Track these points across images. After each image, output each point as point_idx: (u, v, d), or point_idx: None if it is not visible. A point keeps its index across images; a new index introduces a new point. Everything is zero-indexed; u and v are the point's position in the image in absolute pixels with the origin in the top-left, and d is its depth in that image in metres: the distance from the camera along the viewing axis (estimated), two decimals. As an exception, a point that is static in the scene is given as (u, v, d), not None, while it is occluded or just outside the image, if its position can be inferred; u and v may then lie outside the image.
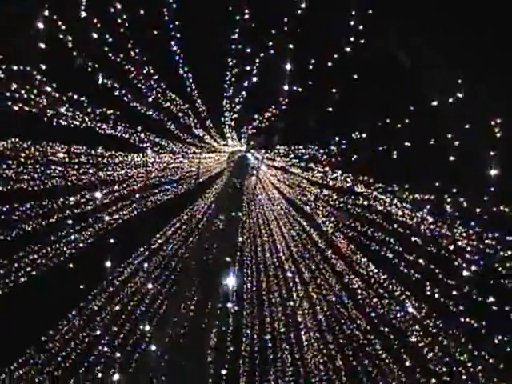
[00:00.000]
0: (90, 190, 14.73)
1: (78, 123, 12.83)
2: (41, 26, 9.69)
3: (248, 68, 11.66)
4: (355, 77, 11.33)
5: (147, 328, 16.53)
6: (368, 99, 12.93)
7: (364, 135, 12.39)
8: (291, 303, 17.30)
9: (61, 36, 10.25)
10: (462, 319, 12.92)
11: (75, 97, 11.89)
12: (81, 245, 15.20)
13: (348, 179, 14.05)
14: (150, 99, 12.96)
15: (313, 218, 16.47)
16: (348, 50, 10.63)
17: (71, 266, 15.20)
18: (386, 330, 15.06)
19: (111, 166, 14.78)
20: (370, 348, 15.58)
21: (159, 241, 17.08)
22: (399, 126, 11.49)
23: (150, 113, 13.52)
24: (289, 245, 17.22)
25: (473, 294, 12.49)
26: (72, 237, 14.94)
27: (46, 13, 9.84)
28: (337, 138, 13.03)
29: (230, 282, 14.62)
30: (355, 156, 13.13)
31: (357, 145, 12.77)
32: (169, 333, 12.82)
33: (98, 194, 14.73)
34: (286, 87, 11.58)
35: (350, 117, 13.60)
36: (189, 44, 11.53)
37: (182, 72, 12.24)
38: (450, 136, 10.93)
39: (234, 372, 17.01)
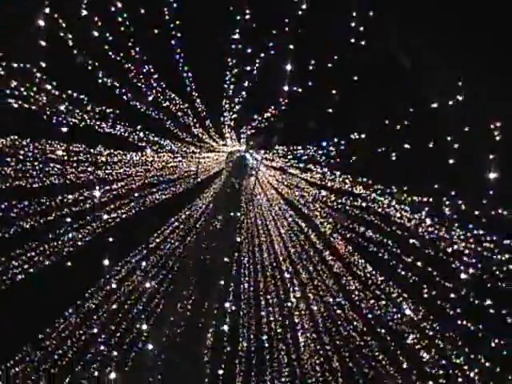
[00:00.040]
0: (88, 188, 14.73)
1: (77, 121, 12.83)
2: (41, 23, 9.69)
3: (248, 68, 11.67)
4: (355, 78, 11.33)
5: (144, 327, 16.52)
6: (368, 101, 12.95)
7: (363, 136, 12.39)
8: (288, 304, 17.30)
9: (61, 34, 10.24)
10: (459, 322, 12.94)
11: (75, 95, 11.89)
12: (79, 243, 15.20)
13: (347, 180, 14.05)
14: (150, 98, 12.96)
15: (311, 219, 16.47)
16: (348, 51, 10.63)
17: (69, 264, 15.20)
18: (383, 331, 15.06)
19: (110, 164, 14.78)
20: (366, 349, 15.58)
21: (157, 240, 17.07)
22: (398, 127, 11.49)
23: (150, 112, 13.52)
24: (287, 245, 17.22)
25: (470, 297, 12.50)
26: (70, 235, 14.93)
27: (47, 10, 9.83)
28: (336, 139, 13.03)
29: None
30: (354, 157, 13.13)
31: (356, 146, 12.77)
32: (165, 332, 12.80)
33: (97, 193, 14.72)
34: (286, 88, 11.58)
35: (349, 118, 13.61)
36: (189, 43, 11.53)
37: (181, 71, 12.24)
38: (449, 138, 10.94)
39: (231, 372, 17.02)
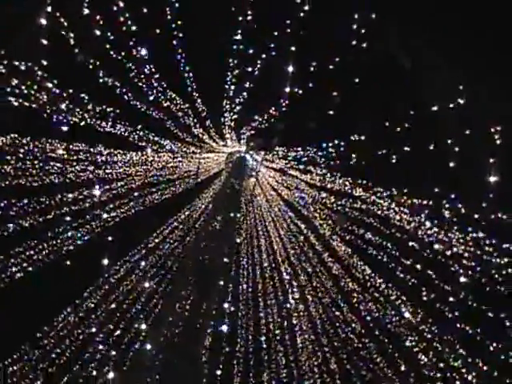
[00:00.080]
0: (88, 187, 14.73)
1: (77, 120, 12.83)
2: (43, 22, 9.68)
3: (249, 69, 11.67)
4: (356, 80, 11.34)
5: (143, 327, 16.50)
6: (368, 103, 12.95)
7: (363, 138, 12.39)
8: (287, 305, 17.29)
9: (63, 33, 10.24)
10: (458, 325, 12.93)
11: (75, 94, 11.90)
12: (78, 242, 15.19)
13: (347, 182, 14.05)
14: (151, 98, 12.95)
15: (310, 221, 16.46)
16: (350, 53, 10.64)
17: (68, 263, 15.19)
18: (381, 334, 15.05)
19: (110, 163, 14.77)
20: (364, 351, 15.57)
21: (156, 240, 17.06)
22: (399, 129, 11.49)
23: (150, 112, 13.51)
24: (286, 247, 17.22)
25: (468, 301, 12.49)
26: (69, 233, 14.93)
27: (49, 9, 9.83)
28: (336, 141, 13.03)
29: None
30: (354, 159, 13.13)
31: (356, 148, 12.78)
32: (164, 332, 12.79)
33: (97, 192, 14.72)
34: (287, 89, 11.59)
35: (349, 120, 13.61)
36: (191, 43, 11.54)
37: (183, 71, 12.24)
38: (449, 141, 10.94)
39: (229, 373, 17.01)
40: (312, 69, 11.28)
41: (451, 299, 12.88)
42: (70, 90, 11.68)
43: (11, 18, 9.87)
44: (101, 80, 11.77)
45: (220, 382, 16.26)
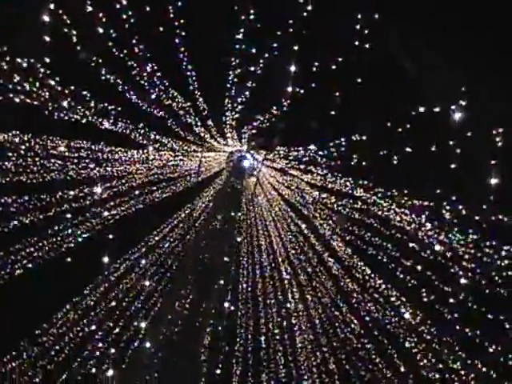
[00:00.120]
0: (89, 184, 14.73)
1: (79, 117, 12.83)
2: (46, 19, 9.68)
3: (252, 68, 11.66)
4: (358, 80, 11.33)
5: (142, 325, 16.51)
6: (370, 103, 12.93)
7: (364, 138, 12.39)
8: (287, 305, 17.29)
9: (65, 30, 10.24)
10: (457, 327, 12.93)
11: (77, 91, 11.90)
12: (79, 239, 15.20)
13: (348, 183, 14.04)
14: (153, 96, 12.95)
15: (311, 221, 16.46)
16: (352, 53, 10.64)
17: (68, 260, 15.20)
18: (380, 334, 15.05)
19: (111, 161, 14.77)
20: (363, 352, 15.57)
21: (156, 238, 17.06)
22: (400, 130, 11.48)
23: (152, 110, 13.51)
24: (286, 246, 17.22)
25: (468, 302, 12.49)
26: (69, 231, 14.93)
27: (52, 6, 9.83)
28: (337, 141, 13.02)
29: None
30: (355, 160, 13.12)
31: (357, 148, 12.77)
32: (163, 330, 12.81)
33: (98, 189, 14.72)
34: (289, 89, 11.58)
35: (351, 120, 13.59)
36: (193, 42, 11.52)
37: (185, 70, 12.23)
38: (451, 143, 10.93)
39: (227, 372, 17.01)
40: (314, 69, 11.27)
41: (451, 301, 12.88)
42: (72, 88, 11.68)
43: (12, 17, 9.87)
44: (103, 78, 11.77)
45: (219, 381, 16.28)
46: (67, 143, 13.59)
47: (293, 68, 11.04)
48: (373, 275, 14.97)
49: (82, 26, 10.47)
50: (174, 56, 11.73)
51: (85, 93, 12.08)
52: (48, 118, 12.17)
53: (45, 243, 14.64)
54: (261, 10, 10.66)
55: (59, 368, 15.85)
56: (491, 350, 12.23)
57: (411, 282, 13.70)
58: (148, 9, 10.59)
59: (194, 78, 12.50)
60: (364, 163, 13.07)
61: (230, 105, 13.38)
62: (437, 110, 10.88)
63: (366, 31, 10.48)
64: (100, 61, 11.45)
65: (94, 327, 16.41)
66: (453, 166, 11.06)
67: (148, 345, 12.84)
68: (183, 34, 11.14)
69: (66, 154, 13.75)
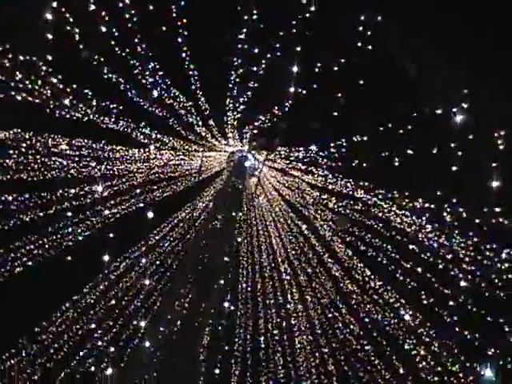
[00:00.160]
0: (90, 183, 14.73)
1: (80, 116, 12.83)
2: (49, 17, 9.68)
3: (254, 68, 11.66)
4: (361, 82, 11.32)
5: (142, 324, 16.51)
6: (372, 105, 12.93)
7: (365, 138, 12.38)
8: (286, 305, 17.29)
9: (68, 28, 10.23)
10: (457, 329, 12.93)
11: (79, 89, 11.90)
12: (79, 237, 15.20)
13: (348, 184, 14.04)
14: (155, 95, 12.94)
15: (311, 222, 16.45)
16: (355, 54, 10.63)
17: (68, 258, 15.19)
18: (380, 336, 15.06)
19: (112, 160, 14.77)
20: (362, 353, 15.58)
21: (156, 237, 17.06)
22: (401, 131, 11.47)
23: (153, 109, 13.51)
24: (286, 247, 17.21)
25: (468, 305, 12.49)
26: (70, 229, 14.94)
27: (55, 4, 9.82)
28: (338, 142, 13.01)
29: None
30: (356, 161, 13.11)
31: (359, 150, 12.76)
32: (162, 330, 12.80)
33: (99, 188, 14.71)
34: (291, 89, 11.57)
35: (352, 122, 13.59)
36: (195, 42, 11.51)
37: (187, 69, 12.22)
38: (452, 145, 10.92)
39: (226, 372, 17.02)
40: (316, 70, 11.26)
41: (451, 303, 12.88)
42: (74, 86, 11.67)
43: (14, 14, 9.87)
44: (105, 76, 11.77)
45: (218, 380, 16.28)
46: (68, 141, 13.58)
47: (295, 69, 11.03)
48: (373, 277, 14.97)
49: (85, 24, 10.47)
50: (177, 55, 11.72)
51: (86, 91, 12.07)
52: (49, 116, 12.16)
53: (45, 241, 14.64)
54: (264, 10, 10.65)
55: (58, 366, 15.87)
56: (490, 353, 12.24)
57: (411, 284, 13.70)
58: (151, 8, 10.59)
59: (196, 78, 12.50)
60: (365, 164, 13.06)
61: (231, 105, 13.37)
62: (438, 111, 10.87)
63: (369, 32, 10.47)
64: (102, 59, 11.44)
65: (93, 326, 16.42)
66: (454, 168, 11.06)
67: (147, 344, 12.83)
68: (186, 33, 11.12)
69: (68, 152, 13.75)
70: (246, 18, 10.67)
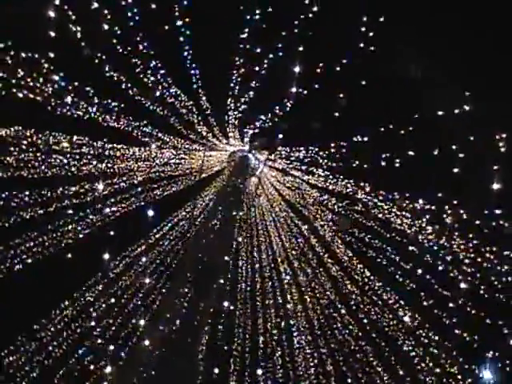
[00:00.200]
0: (90, 181, 14.73)
1: (82, 114, 12.82)
2: (52, 14, 9.66)
3: (256, 68, 11.66)
4: (363, 83, 11.32)
5: (141, 322, 16.51)
6: (373, 106, 12.92)
7: (366, 139, 12.38)
8: (286, 305, 17.29)
9: (71, 26, 10.23)
10: (456, 331, 12.92)
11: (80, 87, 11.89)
12: (79, 235, 15.20)
13: (349, 185, 14.03)
14: (156, 94, 12.95)
15: (311, 222, 16.46)
16: (357, 55, 10.63)
17: (68, 255, 15.19)
18: (379, 337, 15.06)
19: (113, 158, 14.77)
20: (361, 354, 15.58)
21: (156, 236, 17.06)
22: (402, 132, 11.47)
23: (155, 107, 13.51)
24: (285, 247, 17.22)
25: (467, 307, 12.48)
26: (70, 227, 14.94)
27: (57, 1, 9.81)
28: (339, 143, 13.02)
29: None
30: (357, 162, 13.11)
31: (359, 150, 12.76)
32: (161, 328, 12.79)
33: (99, 186, 14.72)
34: (293, 89, 11.57)
35: (354, 122, 13.58)
36: (198, 41, 11.52)
37: (189, 68, 12.23)
38: (454, 147, 10.92)
39: (225, 371, 17.02)
40: (318, 70, 11.26)
41: (450, 305, 12.88)
42: (76, 84, 11.66)
43: (15, 13, 9.85)
44: (107, 74, 11.77)
45: (216, 380, 16.27)
46: (69, 139, 13.58)
47: (297, 69, 11.02)
48: (372, 277, 14.97)
49: (87, 22, 10.46)
50: (179, 54, 11.72)
51: (88, 89, 12.06)
52: (51, 114, 12.15)
53: (45, 238, 14.64)
54: (266, 10, 10.65)
55: (57, 364, 15.87)
56: (489, 355, 12.23)
57: (410, 286, 13.70)
58: (153, 6, 10.58)
59: (197, 77, 12.50)
60: (365, 165, 13.06)
61: (233, 104, 13.38)
62: (440, 113, 10.87)
63: (371, 33, 10.47)
64: (104, 57, 11.44)
65: (92, 323, 16.42)
66: (455, 170, 11.06)
67: (146, 342, 12.82)
68: (188, 32, 11.13)
69: (68, 149, 13.74)
70: (248, 17, 10.68)
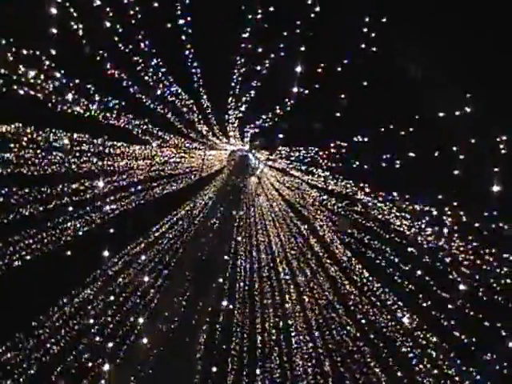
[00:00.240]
0: (90, 178, 14.73)
1: (82, 111, 12.82)
2: (54, 11, 9.65)
3: (257, 68, 11.65)
4: (364, 84, 11.30)
5: (140, 320, 16.51)
6: (374, 106, 12.91)
7: (366, 139, 12.37)
8: (284, 305, 17.29)
9: (72, 23, 10.22)
10: (454, 333, 12.93)
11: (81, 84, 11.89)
12: (79, 233, 15.20)
13: (349, 185, 14.03)
14: (158, 92, 12.94)
15: (310, 222, 16.46)
16: (359, 56, 10.62)
17: (68, 253, 15.19)
18: (377, 338, 15.06)
19: (113, 156, 14.77)
20: (358, 355, 15.58)
21: (156, 234, 17.06)
22: (403, 133, 11.46)
23: (155, 106, 13.51)
24: (284, 247, 17.21)
25: (466, 309, 12.48)
26: (69, 224, 14.93)
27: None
28: (339, 143, 13.01)
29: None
30: (357, 162, 13.10)
31: (359, 151, 12.75)
32: (160, 327, 12.81)
33: (100, 183, 14.71)
34: (294, 89, 11.56)
35: (354, 123, 13.57)
36: (199, 40, 11.51)
37: (190, 67, 12.22)
38: (454, 149, 10.91)
39: (222, 370, 17.02)
40: (320, 70, 11.25)
41: (449, 306, 12.88)
42: (77, 81, 11.66)
43: (16, 10, 9.85)
44: (108, 72, 11.76)
45: (214, 379, 16.28)
46: (70, 136, 13.57)
47: (298, 69, 11.01)
48: (371, 278, 14.97)
49: (89, 19, 10.45)
50: (180, 53, 11.72)
51: (89, 86, 12.06)
52: (51, 111, 12.14)
53: (44, 235, 14.63)
54: (268, 9, 10.64)
55: (55, 361, 15.86)
56: (487, 357, 12.23)
57: (409, 287, 13.71)
58: (155, 5, 10.57)
59: (198, 76, 12.49)
60: (366, 166, 13.05)
61: (233, 103, 13.37)
62: (440, 114, 10.86)
63: (373, 34, 10.46)
64: (105, 55, 11.43)
65: (91, 321, 16.41)
66: (455, 171, 11.05)
67: (145, 341, 12.84)
68: (190, 31, 11.12)
69: (69, 147, 13.74)
70: (250, 17, 10.67)
